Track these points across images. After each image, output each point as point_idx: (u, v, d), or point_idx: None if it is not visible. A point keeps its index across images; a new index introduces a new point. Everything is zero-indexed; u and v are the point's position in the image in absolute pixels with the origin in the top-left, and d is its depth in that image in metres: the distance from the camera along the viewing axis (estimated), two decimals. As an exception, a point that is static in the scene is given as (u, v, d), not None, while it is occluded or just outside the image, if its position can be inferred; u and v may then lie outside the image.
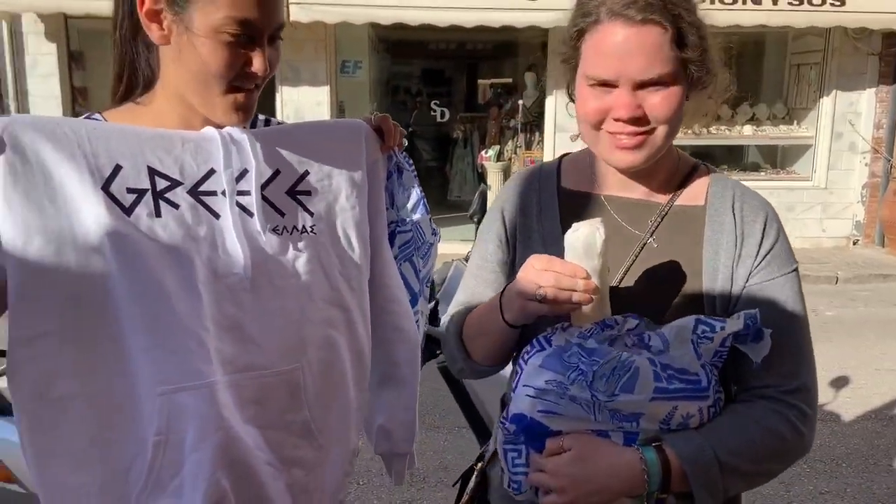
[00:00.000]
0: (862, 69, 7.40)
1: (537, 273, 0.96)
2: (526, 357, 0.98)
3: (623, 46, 0.97)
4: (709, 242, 1.05)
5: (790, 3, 6.65)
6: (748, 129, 7.68)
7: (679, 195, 1.10)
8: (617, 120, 1.00)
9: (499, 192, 1.22)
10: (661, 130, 1.01)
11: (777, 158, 8.22)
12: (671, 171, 1.11)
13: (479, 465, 1.17)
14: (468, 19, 6.45)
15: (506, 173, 8.12)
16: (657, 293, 1.04)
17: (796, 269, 1.05)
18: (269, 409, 1.00)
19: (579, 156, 1.20)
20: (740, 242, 1.04)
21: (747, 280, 1.02)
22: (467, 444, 3.54)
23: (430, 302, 2.13)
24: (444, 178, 9.87)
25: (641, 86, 0.98)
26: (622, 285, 1.06)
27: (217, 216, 0.97)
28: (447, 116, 8.99)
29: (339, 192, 1.08)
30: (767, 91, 8.24)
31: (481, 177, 8.70)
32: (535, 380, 0.95)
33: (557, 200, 1.13)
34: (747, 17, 6.55)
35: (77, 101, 7.18)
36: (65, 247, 0.87)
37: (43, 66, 6.88)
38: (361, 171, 1.11)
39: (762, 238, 1.04)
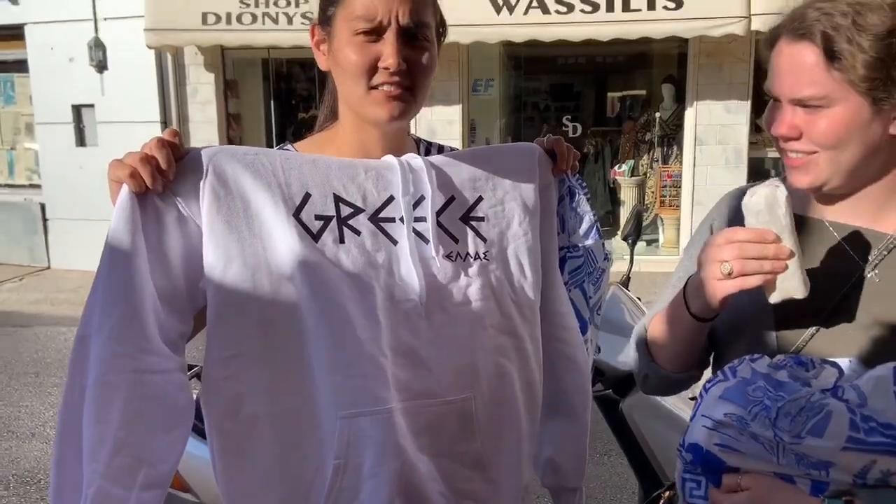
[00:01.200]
0: None
1: (717, 249, 0.91)
2: (707, 386, 0.93)
3: (780, 64, 0.95)
4: None
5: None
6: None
7: None
8: (775, 137, 0.98)
9: (709, 212, 1.17)
10: (824, 156, 0.94)
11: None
12: None
13: (668, 493, 1.11)
14: (604, 33, 6.31)
15: (640, 189, 7.85)
16: (872, 334, 0.94)
17: None
18: (441, 438, 0.99)
19: None
20: None
21: None
22: (608, 472, 3.43)
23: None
24: (574, 195, 9.65)
25: (801, 104, 0.94)
26: (832, 319, 0.96)
27: (395, 242, 0.98)
28: (579, 131, 8.87)
29: (512, 217, 1.07)
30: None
31: (613, 192, 8.46)
32: (713, 411, 0.89)
33: None
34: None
35: (231, 126, 7.73)
36: (260, 272, 0.91)
37: (202, 93, 7.47)
38: (534, 196, 1.09)
39: None
